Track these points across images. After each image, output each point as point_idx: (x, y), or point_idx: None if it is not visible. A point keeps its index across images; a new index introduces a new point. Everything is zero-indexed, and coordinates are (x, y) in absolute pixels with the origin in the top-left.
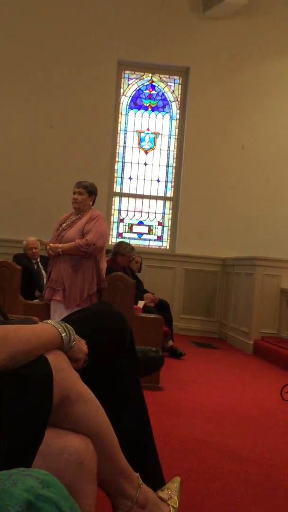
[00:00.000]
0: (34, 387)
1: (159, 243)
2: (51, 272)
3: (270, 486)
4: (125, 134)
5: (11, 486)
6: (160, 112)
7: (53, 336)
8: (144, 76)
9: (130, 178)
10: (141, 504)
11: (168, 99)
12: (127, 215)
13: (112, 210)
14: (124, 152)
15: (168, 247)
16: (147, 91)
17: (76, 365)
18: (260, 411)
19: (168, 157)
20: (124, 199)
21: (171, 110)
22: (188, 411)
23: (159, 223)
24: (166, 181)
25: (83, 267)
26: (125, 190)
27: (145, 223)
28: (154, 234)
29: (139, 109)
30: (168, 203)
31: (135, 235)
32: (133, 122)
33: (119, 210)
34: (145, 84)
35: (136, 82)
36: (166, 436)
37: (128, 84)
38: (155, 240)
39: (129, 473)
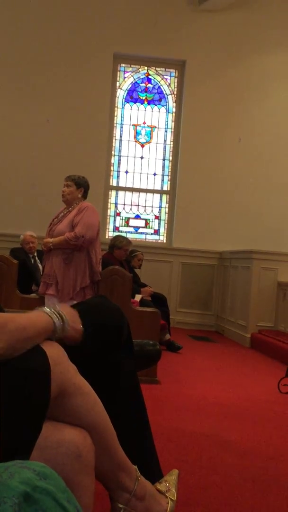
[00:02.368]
0: (32, 380)
1: (156, 237)
2: (45, 267)
3: (268, 479)
4: (121, 127)
5: (8, 478)
6: (156, 105)
7: (47, 325)
8: (140, 69)
9: (126, 172)
10: (139, 496)
11: (164, 92)
12: (123, 209)
13: (109, 204)
14: (120, 146)
15: (165, 241)
16: (143, 84)
17: (74, 343)
18: (257, 404)
19: (165, 151)
20: (121, 193)
21: (167, 103)
22: (185, 405)
23: (156, 217)
24: (163, 175)
25: (75, 260)
26: (121, 184)
27: (141, 217)
28: (151, 228)
29: (135, 103)
30: (164, 197)
31: (132, 229)
32: (129, 116)
33: (116, 204)
34: (141, 77)
35: (132, 75)
36: (163, 429)
37: (124, 77)
38: (151, 234)
39: (127, 466)
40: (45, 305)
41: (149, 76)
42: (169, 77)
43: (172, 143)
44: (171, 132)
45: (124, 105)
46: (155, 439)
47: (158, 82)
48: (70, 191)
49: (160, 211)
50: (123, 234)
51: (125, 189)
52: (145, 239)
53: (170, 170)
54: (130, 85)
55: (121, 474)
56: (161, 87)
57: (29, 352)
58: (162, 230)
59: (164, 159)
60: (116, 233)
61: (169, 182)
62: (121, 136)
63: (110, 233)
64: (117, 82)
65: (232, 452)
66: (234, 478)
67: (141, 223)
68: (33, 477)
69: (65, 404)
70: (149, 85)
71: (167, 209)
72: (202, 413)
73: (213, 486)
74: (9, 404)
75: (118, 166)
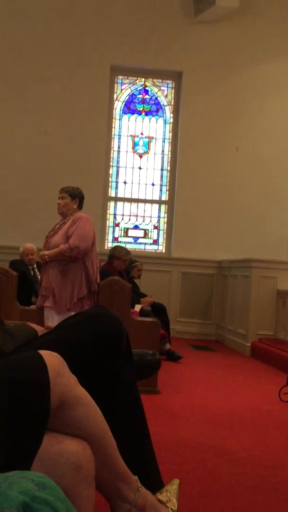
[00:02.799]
0: (32, 392)
1: (155, 247)
2: (42, 280)
3: (270, 488)
4: (119, 138)
5: (7, 488)
6: (153, 116)
7: None
8: (137, 81)
9: (125, 183)
10: (140, 507)
11: (162, 103)
12: (122, 219)
13: (107, 214)
14: (118, 157)
15: (164, 251)
16: (140, 96)
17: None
18: (258, 412)
19: (163, 161)
20: (119, 204)
21: (164, 114)
22: (186, 414)
23: (155, 227)
24: (161, 185)
25: (71, 271)
26: (120, 195)
27: (140, 227)
28: (150, 238)
29: (132, 114)
30: (163, 207)
31: (131, 239)
32: (127, 127)
33: (115, 214)
34: (138, 88)
35: (129, 87)
36: (164, 439)
37: (121, 89)
38: (151, 243)
39: (128, 476)
40: (44, 317)
41: (146, 88)
42: (166, 88)
43: (169, 153)
44: (169, 142)
45: (122, 117)
46: (155, 449)
47: (155, 93)
48: (65, 203)
49: (158, 221)
50: (122, 245)
51: (124, 199)
52: (144, 249)
53: (168, 180)
54: (128, 97)
55: (122, 485)
56: (158, 98)
57: (30, 363)
58: (161, 240)
59: (162, 169)
60: (115, 244)
61: (167, 192)
62: (119, 147)
63: (109, 244)
64: (115, 94)
65: (233, 461)
66: (235, 488)
67: (140, 233)
68: (32, 488)
69: (65, 415)
70: (146, 96)
71: (165, 219)
72: (202, 422)
73: (215, 495)
74: (9, 416)
75: (117, 177)
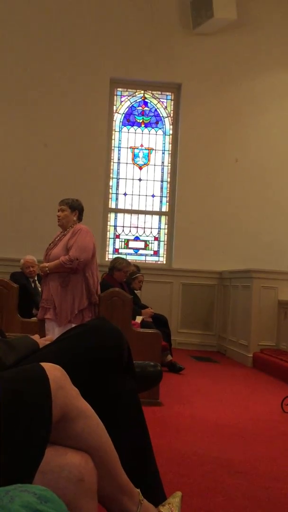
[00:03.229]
0: (33, 404)
1: (155, 258)
2: (43, 292)
3: (273, 500)
4: (119, 150)
5: (9, 502)
6: (153, 128)
7: None
8: (136, 93)
9: (125, 194)
10: None
11: (161, 115)
12: (123, 230)
13: (108, 226)
14: (118, 168)
15: (164, 262)
16: (140, 108)
17: None
18: (261, 424)
19: (163, 172)
20: (120, 215)
21: (164, 126)
22: (188, 426)
23: (155, 238)
24: (161, 196)
25: (72, 283)
26: (120, 206)
27: (141, 238)
28: (151, 249)
29: (132, 126)
30: (163, 218)
31: (132, 251)
32: (126, 139)
33: (115, 226)
34: (137, 100)
35: (128, 99)
36: (166, 452)
37: (121, 101)
38: (151, 255)
39: (130, 489)
40: (45, 329)
41: (146, 100)
42: (165, 100)
43: (169, 164)
44: (169, 154)
45: (122, 129)
46: (157, 461)
47: (154, 105)
48: (64, 215)
49: (159, 233)
50: (123, 256)
51: (124, 211)
52: (145, 260)
53: (168, 191)
54: (127, 109)
55: (124, 498)
56: (158, 110)
57: (31, 375)
58: (161, 251)
59: (162, 181)
60: (116, 255)
61: (167, 203)
62: (119, 159)
63: (110, 255)
64: (114, 106)
65: (236, 474)
66: (238, 500)
67: (141, 244)
68: (34, 501)
69: (67, 428)
70: (146, 108)
71: (166, 230)
72: (205, 434)
73: (218, 508)
74: (11, 429)
75: (117, 189)
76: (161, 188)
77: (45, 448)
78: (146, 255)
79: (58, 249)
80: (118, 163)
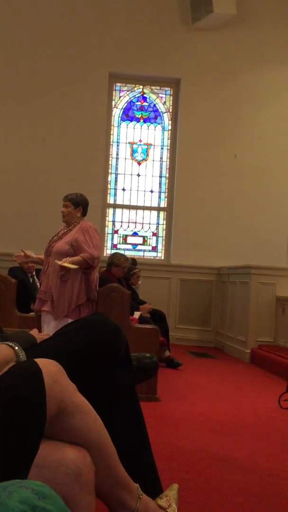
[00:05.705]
0: (26, 399)
1: (153, 254)
2: (41, 283)
3: (271, 496)
4: (118, 145)
5: (7, 498)
6: (152, 123)
7: (7, 357)
8: (135, 88)
9: (123, 190)
10: None
11: (160, 110)
12: (121, 226)
13: (106, 221)
14: (117, 164)
15: (162, 258)
16: (139, 103)
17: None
18: (258, 419)
19: (161, 168)
20: (118, 211)
21: (163, 121)
22: (186, 422)
23: (154, 234)
24: (160, 192)
25: (72, 278)
26: (118, 202)
27: (139, 234)
28: (149, 245)
29: (131, 121)
30: (162, 214)
31: (130, 246)
32: (125, 134)
33: (113, 221)
34: (136, 96)
35: (127, 94)
36: (164, 447)
37: (120, 96)
38: (149, 250)
39: (129, 484)
40: (41, 321)
41: (145, 95)
42: (164, 96)
43: (168, 160)
44: (167, 149)
45: (120, 124)
46: (155, 457)
47: (153, 101)
48: (68, 212)
49: (157, 228)
50: (121, 252)
51: (123, 206)
52: (143, 256)
53: (167, 187)
54: (126, 104)
55: (123, 492)
56: (157, 105)
57: (23, 371)
58: (160, 247)
59: (160, 176)
60: (114, 251)
61: (166, 199)
62: (117, 154)
63: (108, 251)
64: (113, 101)
65: (233, 469)
66: (236, 496)
67: (139, 240)
68: (31, 497)
69: (64, 423)
70: (145, 103)
71: (164, 226)
72: (202, 430)
73: (215, 503)
74: (3, 424)
75: (115, 184)
76: (160, 183)
77: (39, 443)
78: (144, 250)
79: (62, 243)
80: (117, 158)
